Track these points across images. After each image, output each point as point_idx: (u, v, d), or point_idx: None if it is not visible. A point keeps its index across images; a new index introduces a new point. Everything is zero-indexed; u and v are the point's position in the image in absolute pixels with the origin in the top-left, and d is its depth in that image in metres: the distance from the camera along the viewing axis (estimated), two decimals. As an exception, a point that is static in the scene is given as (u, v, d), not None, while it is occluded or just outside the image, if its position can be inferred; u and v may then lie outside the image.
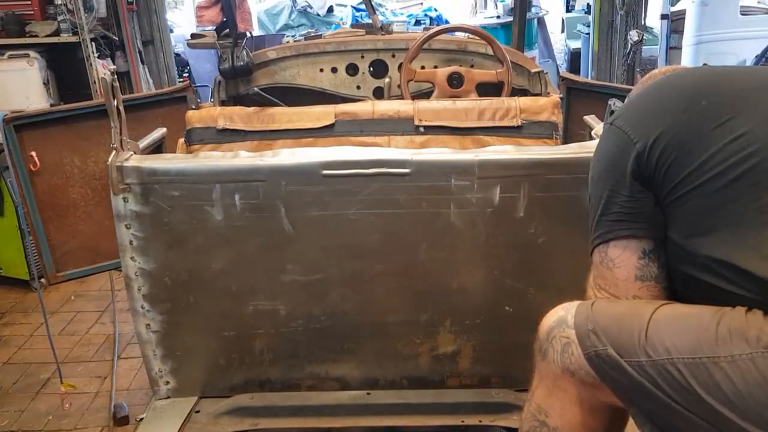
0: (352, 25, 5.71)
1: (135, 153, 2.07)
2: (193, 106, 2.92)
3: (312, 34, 3.82)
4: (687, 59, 6.54)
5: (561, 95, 2.89)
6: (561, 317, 1.32)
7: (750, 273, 1.11)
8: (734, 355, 1.07)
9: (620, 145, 1.31)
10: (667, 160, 1.24)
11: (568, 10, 10.05)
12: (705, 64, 1.55)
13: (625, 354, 1.19)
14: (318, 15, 11.55)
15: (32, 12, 5.12)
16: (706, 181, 1.19)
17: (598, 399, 1.29)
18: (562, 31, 9.93)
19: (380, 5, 11.95)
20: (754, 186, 1.16)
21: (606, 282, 1.35)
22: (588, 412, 1.33)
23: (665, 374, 1.14)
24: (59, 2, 5.00)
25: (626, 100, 1.61)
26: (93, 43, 5.04)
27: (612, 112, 1.60)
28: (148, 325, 2.15)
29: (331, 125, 2.71)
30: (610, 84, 4.70)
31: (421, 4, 12.61)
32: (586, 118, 2.41)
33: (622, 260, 1.32)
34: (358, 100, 3.09)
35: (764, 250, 1.12)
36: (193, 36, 3.18)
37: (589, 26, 6.59)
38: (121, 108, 2.01)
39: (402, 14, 11.35)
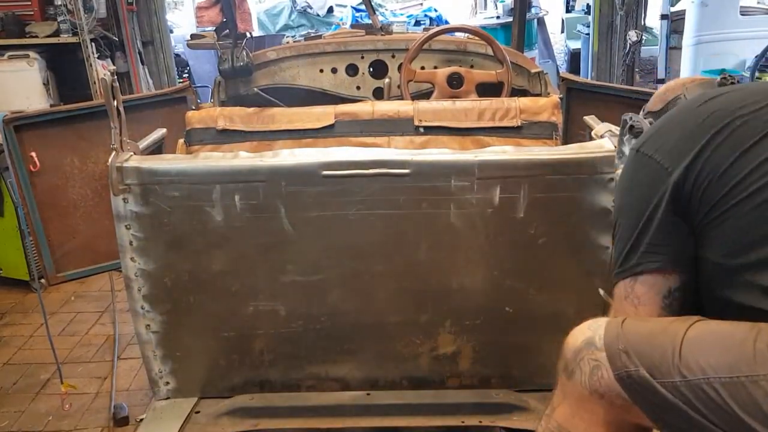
0: (352, 26, 5.71)
1: (135, 153, 2.07)
2: (193, 107, 2.92)
3: (312, 35, 3.82)
4: (687, 59, 6.54)
5: (561, 96, 2.89)
6: (589, 338, 1.28)
7: None
8: None
9: (654, 175, 1.29)
10: (703, 183, 1.22)
11: (567, 11, 10.06)
12: (723, 72, 1.51)
13: (658, 374, 1.16)
14: (318, 15, 11.55)
15: (32, 12, 5.12)
16: (743, 200, 1.18)
17: (626, 420, 1.26)
18: (562, 32, 9.94)
19: (380, 6, 11.96)
20: None
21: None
22: None
23: (701, 395, 1.11)
24: (59, 3, 4.99)
25: (644, 114, 1.58)
26: (93, 44, 5.04)
27: (631, 127, 1.57)
28: (148, 325, 2.15)
29: (331, 126, 2.71)
30: (610, 84, 4.70)
31: (421, 4, 12.62)
32: (586, 118, 2.41)
33: (648, 299, 1.30)
34: (358, 101, 3.09)
35: None
36: (193, 36, 3.18)
37: (588, 26, 6.60)
38: (121, 108, 2.01)
39: (402, 15, 11.36)
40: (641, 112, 1.61)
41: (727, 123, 1.24)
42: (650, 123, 1.54)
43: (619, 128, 1.99)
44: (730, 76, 1.50)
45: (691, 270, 1.29)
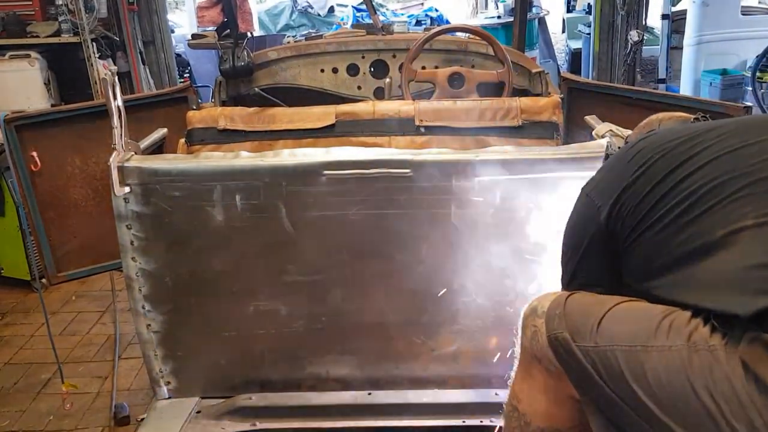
0: (352, 26, 5.70)
1: (136, 153, 2.08)
2: (194, 107, 2.92)
3: (313, 35, 3.82)
4: (688, 59, 6.53)
5: (562, 95, 2.89)
6: (534, 307, 1.37)
7: (692, 305, 1.12)
8: (665, 345, 1.08)
9: (588, 212, 1.39)
10: (622, 216, 1.30)
11: (568, 11, 10.04)
12: (696, 118, 1.61)
13: (578, 339, 1.22)
14: (319, 15, 11.56)
15: (33, 12, 5.12)
16: (649, 226, 1.24)
17: (563, 390, 1.31)
18: (563, 32, 9.93)
19: (381, 5, 11.97)
20: (689, 223, 1.18)
21: None
22: (552, 402, 1.36)
23: (605, 361, 1.16)
24: (60, 3, 4.99)
25: (625, 143, 1.66)
26: (94, 44, 5.04)
27: (607, 156, 1.69)
28: (149, 325, 2.15)
29: (332, 125, 2.71)
30: (611, 84, 4.70)
31: (422, 4, 12.62)
32: (587, 118, 2.41)
33: None
34: (359, 101, 3.08)
35: (701, 282, 1.13)
36: (194, 36, 3.18)
37: (589, 26, 6.59)
38: (122, 108, 2.02)
39: (403, 14, 11.35)
40: (624, 141, 1.68)
41: (648, 158, 1.31)
42: None
43: (619, 128, 2.01)
44: (703, 116, 1.57)
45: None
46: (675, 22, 6.63)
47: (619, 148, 1.70)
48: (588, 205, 1.40)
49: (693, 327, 1.07)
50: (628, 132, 2.06)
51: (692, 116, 1.61)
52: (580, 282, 1.42)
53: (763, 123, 1.37)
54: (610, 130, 2.08)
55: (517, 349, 1.43)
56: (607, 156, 1.66)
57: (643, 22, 5.68)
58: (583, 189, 1.44)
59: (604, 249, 1.35)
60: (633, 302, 1.24)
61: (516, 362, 1.45)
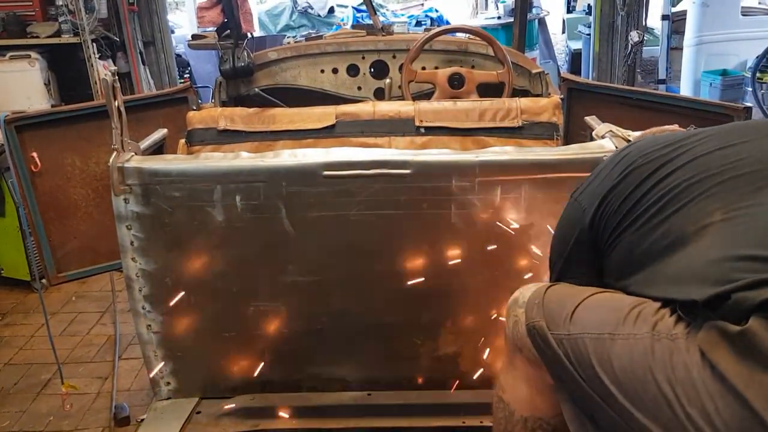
0: (352, 26, 5.70)
1: (136, 154, 2.08)
2: (194, 107, 2.92)
3: (313, 35, 3.82)
4: (688, 60, 6.54)
5: (562, 96, 2.88)
6: (515, 298, 1.42)
7: (660, 297, 1.15)
8: (631, 333, 1.11)
9: (574, 215, 1.43)
10: (604, 218, 1.34)
11: (568, 11, 10.05)
12: (691, 127, 1.67)
13: (553, 327, 1.26)
14: (319, 16, 11.56)
15: (33, 13, 5.12)
16: (627, 227, 1.28)
17: (544, 379, 1.34)
18: (563, 32, 9.93)
19: (381, 6, 11.97)
20: (662, 222, 1.22)
21: None
22: (534, 391, 1.39)
23: (575, 349, 1.19)
24: (60, 3, 4.99)
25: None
26: (94, 44, 5.04)
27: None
28: (149, 325, 2.15)
29: (332, 126, 2.71)
30: (611, 85, 4.69)
31: (422, 5, 12.63)
32: (587, 118, 2.41)
33: None
34: (359, 101, 3.09)
35: (669, 275, 1.16)
36: (194, 37, 3.18)
37: (589, 27, 6.59)
38: (122, 109, 2.02)
39: (403, 15, 11.36)
40: (624, 143, 1.75)
41: (632, 162, 1.35)
42: None
43: (619, 129, 2.01)
44: (695, 127, 1.61)
45: None
46: (675, 22, 6.64)
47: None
48: (575, 207, 1.43)
49: (659, 317, 1.10)
50: (629, 132, 2.06)
51: (681, 130, 1.66)
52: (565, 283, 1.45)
53: (744, 128, 1.41)
54: (610, 131, 2.08)
55: (503, 340, 1.46)
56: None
57: (643, 23, 5.68)
58: (572, 194, 1.48)
59: (589, 250, 1.39)
60: (607, 293, 1.27)
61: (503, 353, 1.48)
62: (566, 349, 1.21)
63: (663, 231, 1.21)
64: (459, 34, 3.77)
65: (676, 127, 1.75)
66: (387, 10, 12.00)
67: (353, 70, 3.34)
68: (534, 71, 3.23)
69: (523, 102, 2.73)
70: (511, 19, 5.91)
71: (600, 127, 2.14)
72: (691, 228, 1.16)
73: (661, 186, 1.26)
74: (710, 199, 1.18)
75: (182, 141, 2.74)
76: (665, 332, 1.06)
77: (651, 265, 1.21)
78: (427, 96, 3.15)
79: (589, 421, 1.23)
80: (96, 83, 4.97)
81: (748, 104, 2.24)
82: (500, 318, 2.09)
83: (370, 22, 3.58)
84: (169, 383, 2.23)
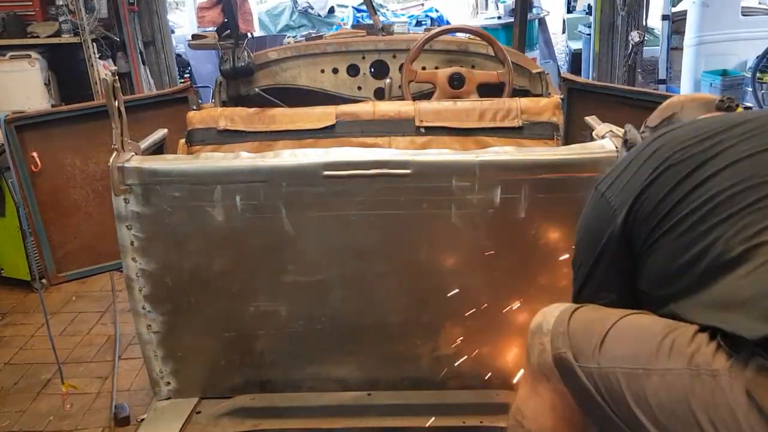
0: (353, 26, 5.70)
1: (136, 154, 2.07)
2: (194, 107, 2.92)
3: (313, 35, 3.82)
4: (688, 60, 6.54)
5: (562, 96, 2.89)
6: (539, 323, 1.33)
7: (705, 325, 1.10)
8: (668, 368, 1.06)
9: (603, 215, 1.34)
10: (639, 219, 1.27)
11: (569, 11, 10.05)
12: (721, 100, 1.50)
13: (581, 359, 1.19)
14: (319, 16, 11.56)
15: (33, 13, 5.12)
16: (666, 231, 1.21)
17: (571, 408, 1.28)
18: (563, 32, 9.93)
19: (381, 6, 11.97)
20: (706, 232, 1.15)
21: None
22: (560, 420, 1.32)
23: (607, 383, 1.14)
24: (60, 3, 5.00)
25: (644, 127, 1.59)
26: (94, 44, 5.04)
27: (626, 141, 1.61)
28: (149, 325, 2.15)
29: (332, 126, 2.71)
30: (612, 85, 4.69)
31: (422, 5, 12.63)
32: (587, 118, 2.41)
33: None
34: (359, 101, 3.09)
35: (715, 300, 1.10)
36: (194, 37, 3.18)
37: (590, 27, 6.59)
38: (122, 109, 2.02)
39: (403, 15, 11.35)
40: (642, 125, 1.62)
41: (665, 159, 1.27)
42: (643, 137, 1.55)
43: (619, 129, 2.00)
44: (728, 98, 1.50)
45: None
46: (675, 22, 6.64)
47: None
48: (603, 206, 1.35)
49: (695, 347, 1.05)
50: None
51: (717, 97, 1.52)
52: (593, 287, 1.38)
53: None
54: (611, 131, 2.08)
55: (526, 365, 1.38)
56: (626, 143, 1.58)
57: (644, 23, 5.68)
58: (597, 188, 1.39)
59: (619, 252, 1.31)
60: (636, 317, 1.20)
61: (523, 376, 1.41)
62: (596, 382, 1.15)
63: (706, 244, 1.13)
64: (459, 34, 3.76)
65: (706, 95, 1.59)
66: (387, 10, 12.00)
67: (353, 70, 3.34)
68: (534, 71, 3.23)
69: (524, 102, 2.73)
70: (511, 19, 5.91)
71: (600, 127, 2.14)
72: (739, 247, 1.09)
73: (701, 191, 1.18)
74: (758, 213, 1.10)
75: (182, 141, 2.74)
76: (705, 367, 1.01)
77: (692, 281, 1.14)
78: (427, 96, 3.15)
79: None
80: (96, 83, 4.97)
81: (748, 104, 2.23)
82: (500, 318, 2.09)
83: (371, 22, 3.58)
84: (169, 383, 2.23)
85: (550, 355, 1.26)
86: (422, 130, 2.70)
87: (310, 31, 8.13)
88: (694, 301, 1.13)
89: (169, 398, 2.25)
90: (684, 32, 6.59)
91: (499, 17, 8.07)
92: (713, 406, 0.99)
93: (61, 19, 5.02)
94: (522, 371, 1.42)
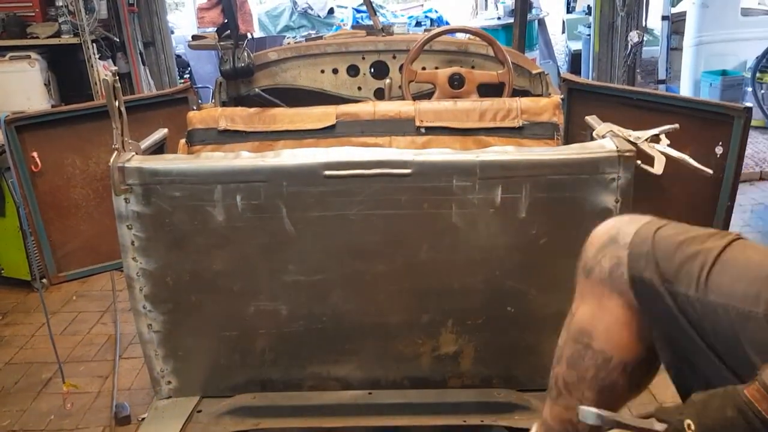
0: (352, 27, 5.71)
1: (136, 154, 2.08)
2: (195, 107, 2.92)
3: (313, 36, 3.83)
4: (688, 60, 6.55)
5: (562, 96, 2.89)
6: (612, 236, 1.24)
7: None
8: None
9: None
10: None
11: (568, 12, 10.06)
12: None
13: (677, 285, 1.12)
14: (319, 16, 11.56)
15: (33, 13, 5.12)
16: None
17: (642, 323, 1.21)
18: (563, 33, 9.94)
19: (381, 7, 11.97)
20: None
21: None
22: (636, 336, 1.24)
23: (713, 317, 1.07)
24: (60, 4, 5.00)
25: None
26: (94, 45, 5.05)
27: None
28: (150, 325, 2.15)
29: (333, 126, 2.71)
30: (611, 85, 4.70)
31: (422, 5, 12.63)
32: (587, 118, 2.41)
33: None
34: (359, 101, 3.09)
35: None
36: (194, 37, 3.18)
37: (589, 27, 6.60)
38: (123, 109, 2.02)
39: (403, 16, 11.36)
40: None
41: None
42: None
43: (620, 129, 2.00)
44: None
45: None
46: (675, 23, 6.65)
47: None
48: None
49: None
50: (629, 132, 2.06)
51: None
52: None
53: None
54: (611, 131, 2.08)
55: (584, 282, 1.29)
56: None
57: (643, 23, 5.68)
58: None
59: None
60: (743, 245, 1.13)
61: (578, 299, 1.32)
62: (698, 313, 1.08)
63: None
64: (459, 35, 3.77)
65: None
66: (387, 10, 12.00)
67: (353, 71, 3.35)
68: (534, 71, 3.24)
69: (524, 102, 2.73)
70: (511, 20, 5.92)
71: (600, 127, 2.15)
72: None
73: None
74: None
75: (183, 141, 2.74)
76: None
77: None
78: (427, 96, 3.15)
79: (688, 369, 1.14)
80: (96, 84, 4.98)
81: (748, 104, 2.24)
82: (500, 317, 2.10)
83: (370, 22, 3.58)
84: (170, 382, 2.24)
85: (627, 273, 1.19)
86: (422, 130, 2.70)
87: (310, 31, 8.15)
88: None
89: (170, 397, 2.25)
90: (684, 32, 6.60)
91: (499, 18, 8.08)
92: None
93: (61, 19, 5.02)
94: (576, 296, 1.31)
